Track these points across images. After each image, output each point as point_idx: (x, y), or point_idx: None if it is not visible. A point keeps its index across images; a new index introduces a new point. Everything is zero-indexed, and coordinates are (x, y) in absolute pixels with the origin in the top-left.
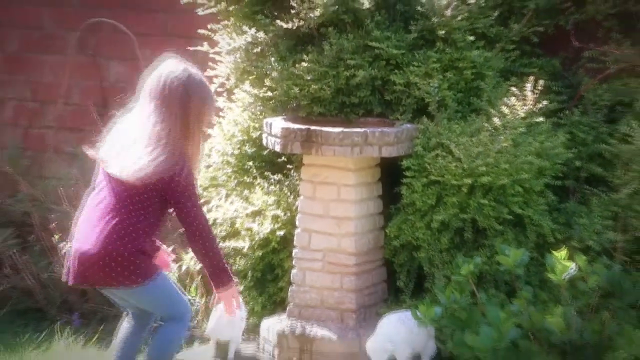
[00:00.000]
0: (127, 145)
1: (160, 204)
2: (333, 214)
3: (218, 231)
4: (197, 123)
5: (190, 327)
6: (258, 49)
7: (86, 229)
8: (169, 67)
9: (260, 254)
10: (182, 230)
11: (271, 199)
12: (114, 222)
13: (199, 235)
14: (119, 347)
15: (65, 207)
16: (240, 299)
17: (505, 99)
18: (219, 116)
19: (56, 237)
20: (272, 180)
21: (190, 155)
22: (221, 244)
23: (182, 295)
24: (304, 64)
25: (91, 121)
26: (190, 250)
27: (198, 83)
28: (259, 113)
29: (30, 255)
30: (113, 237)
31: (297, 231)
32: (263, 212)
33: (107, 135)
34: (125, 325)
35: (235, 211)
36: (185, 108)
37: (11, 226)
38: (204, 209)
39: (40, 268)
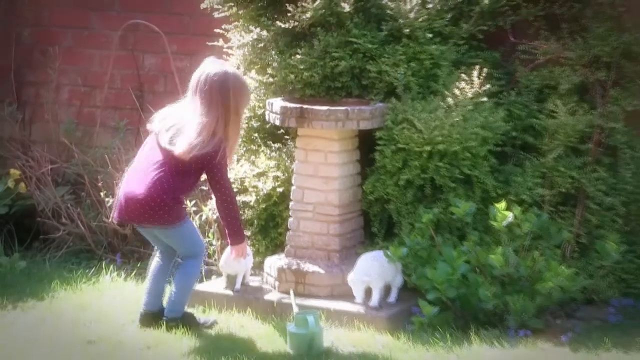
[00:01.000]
0: (179, 126)
1: (197, 171)
2: (321, 174)
3: None
4: (236, 112)
5: (206, 264)
6: (262, 45)
7: (136, 177)
8: (210, 66)
9: (264, 206)
10: (204, 187)
11: (272, 162)
12: (160, 176)
13: (224, 201)
14: (150, 279)
15: (110, 170)
16: (248, 242)
17: (456, 83)
18: None
19: (103, 193)
20: (273, 148)
21: (229, 138)
22: None
23: (201, 238)
24: (298, 56)
25: (130, 102)
26: (209, 203)
27: (234, 78)
28: (262, 95)
29: (82, 207)
30: (158, 187)
31: (293, 188)
32: (266, 173)
33: (159, 113)
34: (155, 261)
35: (244, 172)
36: (225, 100)
37: (67, 185)
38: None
39: (90, 218)
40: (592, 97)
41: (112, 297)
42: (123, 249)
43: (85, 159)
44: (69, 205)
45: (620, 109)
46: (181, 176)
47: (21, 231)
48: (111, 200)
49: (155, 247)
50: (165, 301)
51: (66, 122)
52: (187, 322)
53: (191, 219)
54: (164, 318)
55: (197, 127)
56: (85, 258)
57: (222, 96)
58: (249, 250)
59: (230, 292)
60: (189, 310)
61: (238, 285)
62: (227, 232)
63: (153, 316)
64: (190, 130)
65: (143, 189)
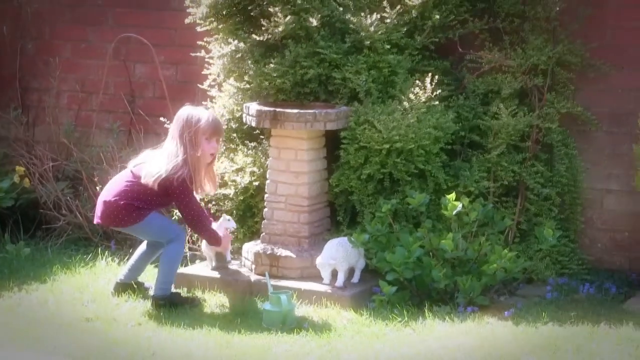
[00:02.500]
0: (148, 159)
1: (162, 194)
2: (292, 169)
3: None
4: (192, 142)
5: (190, 249)
6: (239, 55)
7: (110, 189)
8: (183, 110)
9: (242, 198)
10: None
11: (249, 159)
12: (126, 188)
13: (190, 221)
14: (134, 257)
15: (105, 167)
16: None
17: (411, 89)
18: (212, 102)
19: (98, 187)
20: (250, 146)
21: (190, 165)
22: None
23: (173, 224)
24: (272, 65)
25: (122, 106)
26: None
27: (190, 112)
28: (240, 100)
29: (80, 200)
30: (122, 195)
31: (267, 182)
32: (244, 169)
33: (141, 154)
34: (141, 247)
35: (224, 168)
36: (181, 131)
37: (67, 180)
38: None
39: (87, 209)
40: (531, 101)
41: (108, 279)
42: (117, 236)
43: (82, 157)
44: (68, 198)
45: (556, 111)
46: (145, 194)
47: (26, 221)
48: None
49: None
50: (140, 277)
51: (66, 124)
52: (174, 300)
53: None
54: (153, 296)
55: (160, 158)
56: (83, 245)
57: (179, 128)
58: (229, 232)
59: (212, 274)
60: (176, 290)
61: (229, 258)
62: (204, 239)
63: (125, 286)
64: (155, 161)
65: (111, 195)
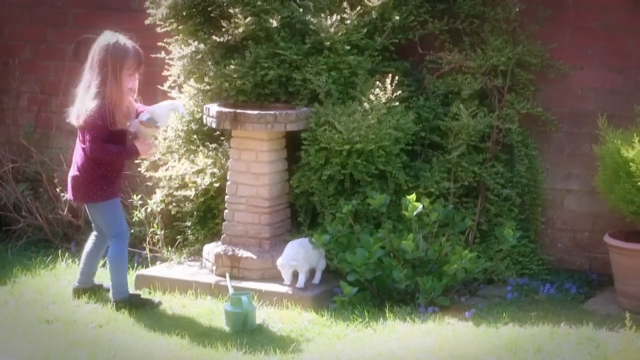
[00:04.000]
0: (76, 100)
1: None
2: (253, 171)
3: (173, 184)
4: (114, 73)
5: (151, 250)
6: (199, 56)
7: (73, 160)
8: (100, 38)
9: (202, 199)
10: (149, 183)
11: (210, 161)
12: (80, 153)
13: (93, 154)
14: (83, 260)
15: (65, 168)
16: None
17: (372, 90)
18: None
19: (58, 189)
20: (210, 147)
21: (110, 98)
22: (174, 193)
23: (124, 222)
24: (232, 67)
25: None
26: (153, 197)
27: (115, 46)
28: (200, 101)
29: (40, 202)
30: (79, 165)
31: (228, 183)
32: (204, 170)
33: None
34: (88, 243)
35: (184, 170)
36: (108, 68)
37: (27, 182)
38: (163, 168)
39: (47, 211)
40: (491, 102)
41: (68, 281)
42: (77, 238)
43: (42, 158)
44: (28, 199)
45: (515, 112)
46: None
47: None
48: (66, 196)
49: (93, 228)
50: (95, 279)
51: (26, 126)
52: (133, 302)
53: (120, 204)
54: (112, 300)
55: (81, 94)
56: (43, 247)
57: (102, 59)
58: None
59: (172, 275)
60: (137, 292)
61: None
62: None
63: (83, 291)
64: (78, 99)
65: (74, 169)
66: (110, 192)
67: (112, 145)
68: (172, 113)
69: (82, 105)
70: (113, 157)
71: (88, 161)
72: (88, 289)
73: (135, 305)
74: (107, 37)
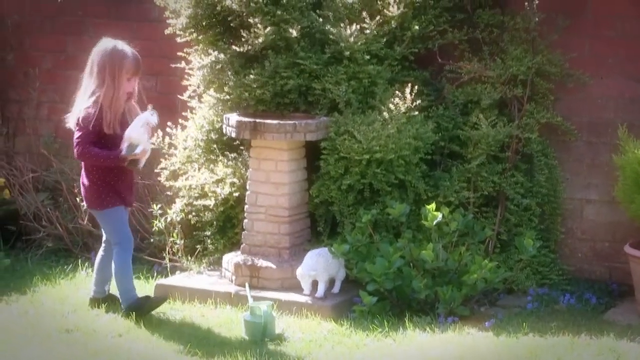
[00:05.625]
0: (74, 105)
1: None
2: (272, 180)
3: (192, 193)
4: (112, 76)
5: (170, 260)
6: (219, 66)
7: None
8: (99, 44)
9: (222, 209)
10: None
11: (229, 170)
12: (88, 167)
13: (77, 155)
14: (95, 270)
15: None
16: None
17: (391, 99)
18: (192, 113)
19: (78, 198)
20: (230, 157)
21: (109, 105)
22: (194, 202)
23: (127, 230)
24: (252, 76)
25: None
26: (173, 206)
27: (113, 51)
28: (220, 110)
29: (60, 211)
30: (83, 170)
31: (247, 193)
32: (224, 179)
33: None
34: (99, 253)
35: (204, 179)
36: (106, 73)
37: (47, 191)
38: (183, 178)
39: (67, 220)
40: (510, 111)
41: (88, 290)
42: (97, 247)
43: (62, 168)
44: (48, 209)
45: (535, 121)
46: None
47: (6, 233)
48: (85, 205)
49: (103, 237)
50: (110, 288)
51: (45, 136)
52: (142, 305)
53: (125, 212)
54: (122, 308)
55: (79, 99)
56: (63, 256)
57: (100, 63)
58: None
59: (192, 285)
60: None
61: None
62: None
63: (100, 301)
64: (75, 104)
65: (81, 175)
66: (111, 199)
67: (97, 149)
68: (147, 127)
69: (77, 109)
70: (97, 160)
71: (85, 166)
72: (103, 298)
73: (146, 307)
74: (106, 43)
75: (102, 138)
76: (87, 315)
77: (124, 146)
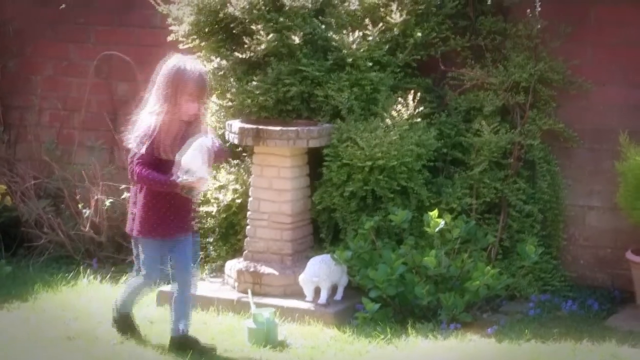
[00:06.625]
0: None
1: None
2: (275, 187)
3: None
4: (174, 100)
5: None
6: (222, 72)
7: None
8: (168, 61)
9: (224, 215)
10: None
11: (232, 177)
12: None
13: (135, 179)
14: (121, 293)
15: (86, 184)
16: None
17: (394, 106)
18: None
19: (80, 205)
20: (232, 164)
21: (163, 127)
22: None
23: (156, 264)
24: (254, 83)
25: (105, 124)
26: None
27: (178, 70)
28: (222, 117)
29: (62, 218)
30: (131, 197)
31: (250, 199)
32: (226, 186)
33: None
34: (132, 276)
35: (206, 186)
36: (164, 88)
37: (49, 198)
38: None
39: (69, 227)
40: (513, 118)
41: (89, 298)
42: (99, 254)
43: (64, 175)
44: (50, 216)
45: (537, 128)
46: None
47: (7, 239)
48: (87, 212)
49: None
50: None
51: (47, 142)
52: (188, 342)
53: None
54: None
55: (142, 116)
56: (65, 263)
57: (163, 82)
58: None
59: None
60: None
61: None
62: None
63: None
64: (137, 123)
65: (131, 204)
66: (151, 232)
67: (154, 172)
68: (203, 151)
69: (139, 129)
70: (152, 183)
71: (139, 189)
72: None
73: (190, 344)
74: (173, 60)
75: (159, 162)
76: (88, 323)
77: (179, 178)
